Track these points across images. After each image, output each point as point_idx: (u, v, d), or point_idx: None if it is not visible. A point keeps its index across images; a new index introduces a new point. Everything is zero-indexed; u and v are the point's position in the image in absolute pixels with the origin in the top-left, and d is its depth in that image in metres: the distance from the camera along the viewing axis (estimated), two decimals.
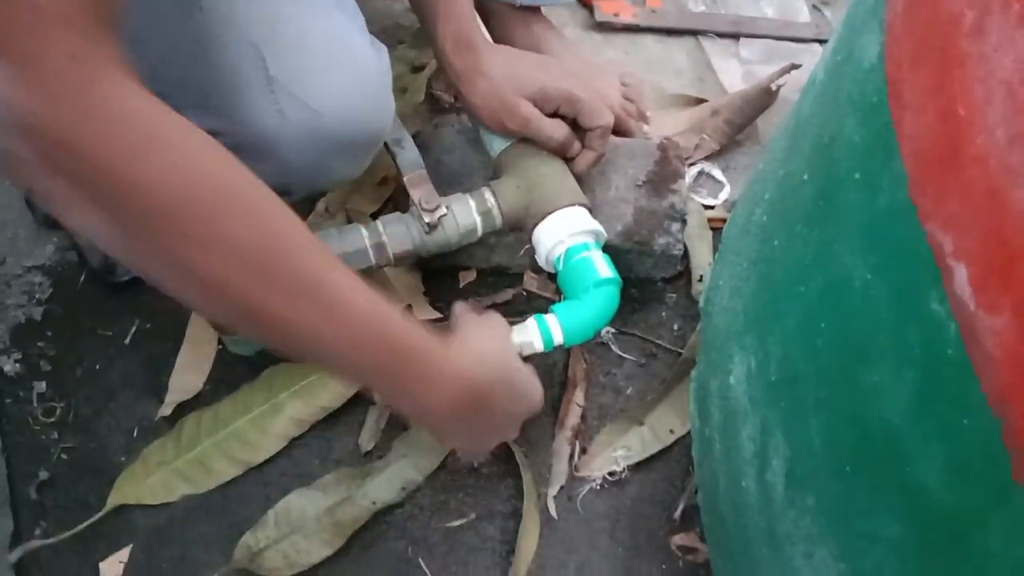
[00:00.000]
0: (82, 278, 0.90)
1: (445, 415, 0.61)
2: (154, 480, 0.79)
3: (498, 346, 0.70)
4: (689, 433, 0.82)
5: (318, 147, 0.70)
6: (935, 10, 0.39)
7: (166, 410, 0.82)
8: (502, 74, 0.78)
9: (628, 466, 0.83)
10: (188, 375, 0.84)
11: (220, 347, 0.86)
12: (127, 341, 0.87)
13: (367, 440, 0.82)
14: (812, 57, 1.19)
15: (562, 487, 0.82)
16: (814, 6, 1.28)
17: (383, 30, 1.15)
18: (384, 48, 0.76)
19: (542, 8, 1.04)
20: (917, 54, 0.40)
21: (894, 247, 0.41)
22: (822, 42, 1.22)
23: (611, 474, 0.82)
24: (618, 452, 0.83)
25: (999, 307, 0.32)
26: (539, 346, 0.75)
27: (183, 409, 0.82)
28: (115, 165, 0.43)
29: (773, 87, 1.05)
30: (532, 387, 0.71)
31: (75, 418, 0.83)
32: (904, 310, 0.40)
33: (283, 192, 0.71)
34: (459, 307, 0.75)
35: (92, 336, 0.87)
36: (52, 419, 0.83)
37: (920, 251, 0.37)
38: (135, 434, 0.82)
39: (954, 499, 0.38)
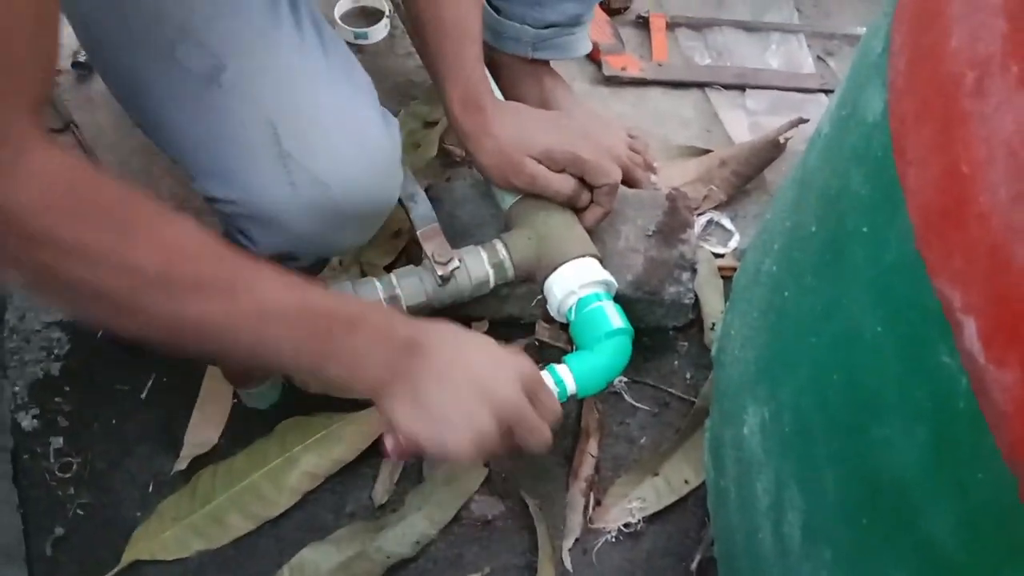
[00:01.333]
0: (99, 333, 0.91)
1: (380, 369, 0.60)
2: (169, 535, 0.79)
3: (468, 342, 0.66)
4: (704, 484, 0.82)
5: (327, 218, 0.72)
6: (937, 69, 0.40)
7: (181, 464, 0.82)
8: (509, 134, 0.80)
9: (643, 518, 0.82)
10: (203, 429, 0.84)
11: (235, 401, 0.86)
12: (143, 396, 0.88)
13: (381, 493, 0.82)
14: (818, 107, 1.21)
15: (577, 539, 0.81)
16: (818, 57, 1.30)
17: (396, 87, 1.17)
18: (395, 121, 0.78)
19: (551, 62, 1.06)
20: (920, 111, 0.41)
21: (903, 300, 0.41)
22: (827, 92, 1.24)
23: (626, 526, 0.82)
24: (633, 503, 0.82)
25: (1008, 363, 0.32)
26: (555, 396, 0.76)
27: (198, 463, 0.82)
28: (23, 217, 0.47)
29: (781, 140, 1.07)
30: (507, 356, 0.66)
31: (91, 473, 0.83)
32: (914, 363, 0.40)
33: (292, 257, 0.73)
34: None
35: (109, 391, 0.88)
36: (68, 474, 0.83)
37: (929, 304, 0.37)
38: (150, 489, 0.82)
39: (967, 555, 0.37)
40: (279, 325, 0.57)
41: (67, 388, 0.88)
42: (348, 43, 1.21)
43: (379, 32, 1.22)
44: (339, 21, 1.22)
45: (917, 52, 0.42)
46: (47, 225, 0.48)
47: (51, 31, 0.50)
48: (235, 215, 0.71)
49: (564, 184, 0.81)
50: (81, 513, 0.81)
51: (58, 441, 0.84)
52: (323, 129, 0.71)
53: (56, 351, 0.90)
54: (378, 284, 0.79)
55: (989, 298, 0.34)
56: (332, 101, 0.72)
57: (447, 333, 0.65)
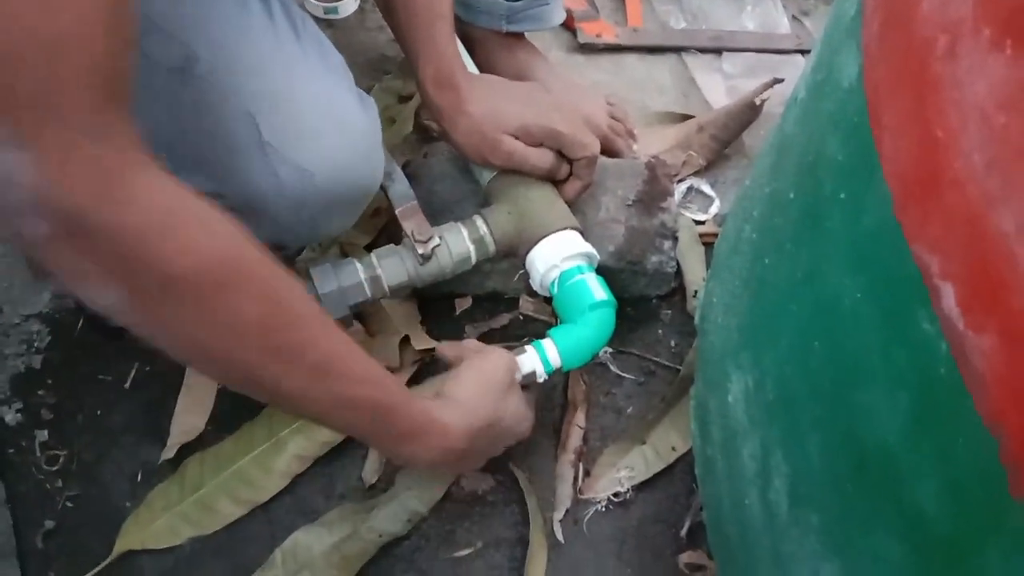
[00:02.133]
0: (80, 324, 0.90)
1: (434, 465, 0.67)
2: (160, 524, 0.78)
3: (489, 394, 0.71)
4: (691, 450, 0.82)
5: (311, 205, 0.71)
6: (909, 33, 0.39)
7: (169, 453, 0.82)
8: (483, 111, 0.79)
9: (632, 486, 0.83)
10: (189, 417, 0.84)
11: (220, 387, 0.86)
12: (127, 385, 0.87)
13: (370, 473, 0.82)
14: (794, 68, 1.20)
15: (567, 511, 0.82)
16: (794, 16, 1.30)
17: (368, 62, 1.16)
18: (372, 102, 0.77)
19: (526, 33, 1.05)
20: (894, 76, 0.41)
21: (882, 266, 0.41)
22: (804, 52, 1.23)
23: (616, 495, 0.82)
24: (622, 473, 0.83)
25: (986, 328, 0.33)
26: (540, 372, 0.76)
27: (186, 451, 0.82)
28: (133, 244, 0.45)
29: (757, 102, 1.06)
30: (520, 421, 0.74)
31: (78, 465, 0.83)
32: (894, 330, 0.40)
33: (278, 247, 0.72)
34: (467, 345, 0.78)
35: (92, 382, 0.87)
36: (55, 467, 0.83)
37: (908, 270, 0.37)
38: (139, 479, 0.82)
39: (951, 519, 0.38)
40: (348, 413, 0.59)
41: (50, 381, 0.87)
42: (318, 18, 1.20)
43: (349, 6, 1.20)
44: None
45: (890, 15, 0.42)
46: (190, 276, 0.47)
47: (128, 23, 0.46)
48: (220, 208, 0.70)
49: (542, 159, 0.81)
50: (70, 505, 0.81)
51: (43, 434, 0.84)
52: (303, 117, 0.70)
53: (37, 344, 0.89)
54: (359, 265, 0.78)
55: (966, 264, 0.34)
56: (309, 87, 0.71)
57: (488, 430, 0.70)
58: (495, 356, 0.73)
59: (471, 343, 0.78)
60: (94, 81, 0.42)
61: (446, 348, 0.78)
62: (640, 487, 0.83)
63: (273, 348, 0.52)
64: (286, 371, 0.54)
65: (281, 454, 0.81)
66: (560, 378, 0.89)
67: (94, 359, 0.88)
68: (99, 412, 0.86)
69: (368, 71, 1.14)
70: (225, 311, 0.49)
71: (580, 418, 0.86)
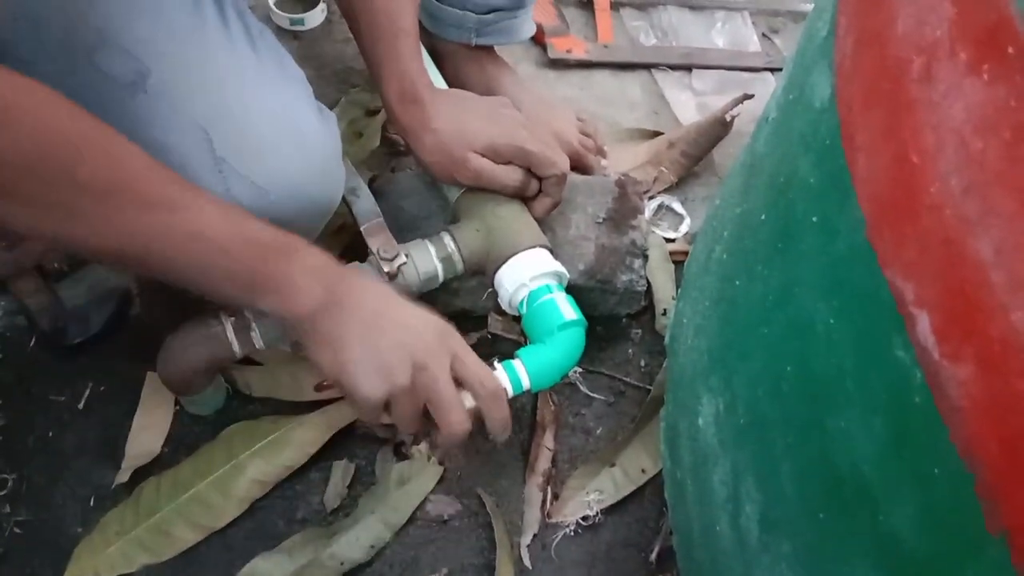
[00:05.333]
0: (32, 343, 0.87)
1: (316, 299, 0.63)
2: (113, 551, 0.75)
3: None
4: (661, 472, 0.81)
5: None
6: (883, 54, 0.39)
7: (123, 476, 0.79)
8: (450, 128, 0.78)
9: (601, 510, 0.81)
10: (145, 439, 0.81)
11: (177, 407, 0.83)
12: (80, 406, 0.84)
13: (333, 497, 0.80)
14: (764, 86, 1.21)
15: (535, 535, 0.80)
16: (763, 34, 1.30)
17: (335, 74, 1.14)
18: (332, 116, 0.76)
19: (495, 47, 1.04)
20: (868, 97, 0.40)
21: (855, 291, 0.40)
22: (774, 70, 1.23)
23: (584, 519, 0.81)
24: (591, 496, 0.81)
25: (962, 357, 0.32)
26: (509, 392, 0.74)
27: (141, 474, 0.79)
28: None
29: (727, 118, 1.06)
30: (435, 320, 0.69)
31: (28, 489, 0.80)
32: (868, 356, 0.39)
33: None
34: None
35: (44, 402, 0.84)
36: (4, 491, 0.79)
37: (881, 296, 0.37)
38: (92, 503, 0.79)
39: (928, 548, 0.37)
40: (214, 248, 0.59)
41: (0, 401, 0.84)
42: (284, 29, 1.18)
43: (316, 18, 1.19)
44: (274, 7, 1.18)
45: (863, 35, 0.41)
46: None
47: None
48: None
49: (510, 177, 0.79)
50: (19, 532, 0.77)
51: None
52: (257, 131, 0.68)
53: None
54: None
55: (942, 292, 0.33)
56: (265, 101, 0.69)
57: (380, 286, 0.69)
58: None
59: None
60: None
61: None
62: (609, 510, 0.82)
63: (121, 204, 0.55)
64: (136, 222, 0.56)
65: (240, 478, 0.78)
66: (528, 398, 0.88)
67: (46, 378, 0.85)
68: (51, 434, 0.83)
69: (335, 83, 1.12)
70: (33, 159, 0.51)
71: (549, 440, 0.84)
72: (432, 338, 0.67)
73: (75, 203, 0.54)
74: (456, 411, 0.67)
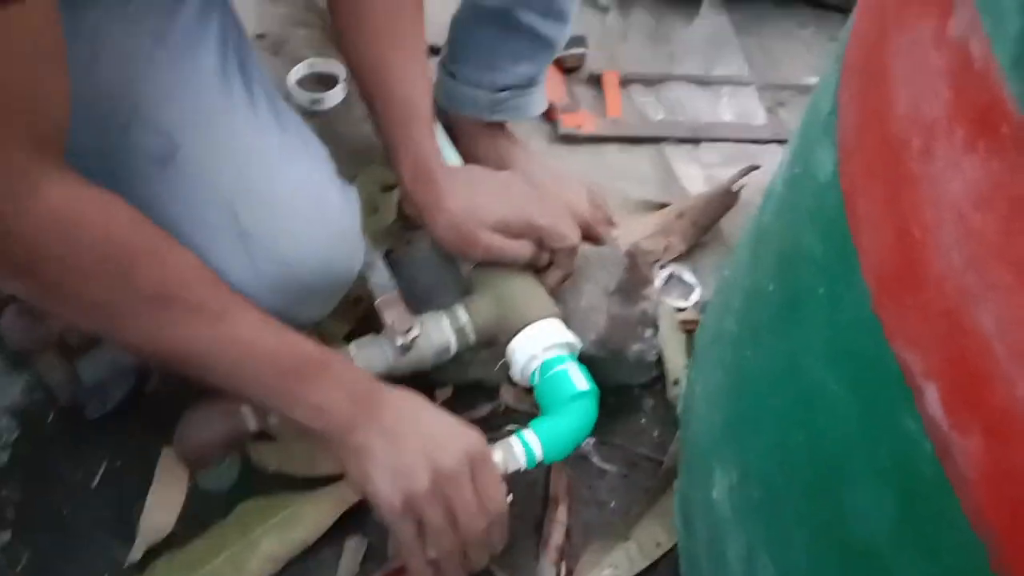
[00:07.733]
0: (50, 418, 0.88)
1: (345, 415, 0.65)
2: None
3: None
4: (676, 546, 0.80)
5: (290, 294, 0.71)
6: (884, 131, 0.40)
7: (136, 554, 0.78)
8: (462, 206, 0.79)
9: None
10: (159, 515, 0.81)
11: (191, 483, 0.83)
12: (95, 484, 0.84)
13: (346, 574, 0.79)
14: (771, 157, 1.22)
15: None
16: (769, 108, 1.33)
17: (353, 151, 1.16)
18: (354, 193, 0.78)
19: (508, 123, 1.06)
20: (870, 172, 0.41)
21: (863, 363, 0.41)
22: (780, 142, 1.25)
23: None
24: (605, 572, 0.80)
25: (971, 429, 0.32)
26: (523, 463, 0.74)
27: (154, 552, 0.79)
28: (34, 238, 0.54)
29: (734, 188, 1.08)
30: (460, 429, 0.69)
31: (42, 566, 0.79)
32: (877, 428, 0.39)
33: None
34: None
35: (60, 479, 0.84)
36: (18, 568, 0.79)
37: (889, 367, 0.37)
38: None
39: None
40: (254, 358, 0.63)
41: (16, 478, 0.84)
42: (304, 109, 1.21)
43: (335, 97, 1.22)
44: (294, 87, 1.22)
45: (864, 113, 0.42)
46: (54, 245, 0.55)
47: (57, 70, 0.55)
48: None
49: (521, 251, 0.81)
50: None
51: (6, 534, 0.80)
52: (282, 206, 0.70)
53: (5, 438, 0.87)
54: None
55: (948, 363, 0.33)
56: (290, 177, 0.72)
57: (407, 396, 0.70)
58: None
59: None
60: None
61: None
62: None
63: (169, 311, 0.60)
64: (182, 329, 0.61)
65: (253, 555, 0.77)
66: (541, 472, 0.87)
67: (63, 454, 0.86)
68: (65, 511, 0.83)
69: (353, 160, 1.14)
70: (86, 263, 0.56)
71: (562, 514, 0.84)
72: (455, 447, 0.67)
73: (126, 305, 0.58)
74: (473, 514, 0.67)
